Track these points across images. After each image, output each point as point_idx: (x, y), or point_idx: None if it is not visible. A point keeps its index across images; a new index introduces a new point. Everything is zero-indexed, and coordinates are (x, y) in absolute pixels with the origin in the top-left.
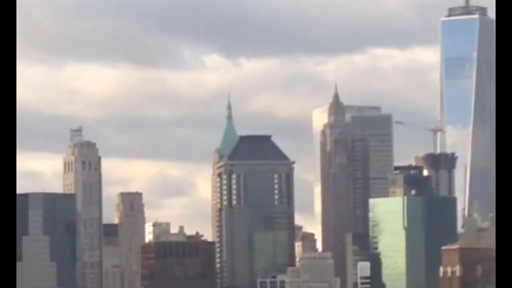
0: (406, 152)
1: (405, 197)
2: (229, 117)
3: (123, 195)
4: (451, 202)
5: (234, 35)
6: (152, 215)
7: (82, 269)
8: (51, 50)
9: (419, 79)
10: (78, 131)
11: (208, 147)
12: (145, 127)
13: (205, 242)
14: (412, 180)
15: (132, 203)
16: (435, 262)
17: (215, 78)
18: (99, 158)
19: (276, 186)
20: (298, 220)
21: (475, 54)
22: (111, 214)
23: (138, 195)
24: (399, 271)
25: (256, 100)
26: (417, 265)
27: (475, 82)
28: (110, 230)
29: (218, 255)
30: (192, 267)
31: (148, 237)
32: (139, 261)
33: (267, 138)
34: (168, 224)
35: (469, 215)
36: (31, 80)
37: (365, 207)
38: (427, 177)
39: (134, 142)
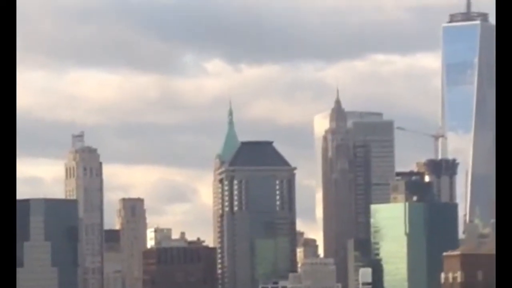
0: (408, 158)
1: (407, 203)
2: (231, 123)
3: (125, 201)
4: (453, 208)
5: (235, 42)
6: (154, 221)
7: (84, 275)
8: (52, 55)
9: (421, 85)
10: (79, 136)
11: (209, 153)
12: (146, 133)
13: (207, 248)
14: (414, 186)
15: (133, 209)
16: (437, 268)
17: (216, 84)
18: (101, 163)
19: (277, 192)
20: (300, 226)
21: (476, 60)
22: (112, 220)
23: (140, 201)
24: (401, 277)
25: (258, 106)
26: (418, 271)
27: (476, 88)
28: (112, 236)
29: (219, 261)
30: (193, 273)
31: (150, 243)
32: (140, 267)
33: (268, 144)
34: (169, 230)
35: (471, 221)
36: (32, 85)
37: (367, 213)
38: (429, 183)
39: (136, 148)
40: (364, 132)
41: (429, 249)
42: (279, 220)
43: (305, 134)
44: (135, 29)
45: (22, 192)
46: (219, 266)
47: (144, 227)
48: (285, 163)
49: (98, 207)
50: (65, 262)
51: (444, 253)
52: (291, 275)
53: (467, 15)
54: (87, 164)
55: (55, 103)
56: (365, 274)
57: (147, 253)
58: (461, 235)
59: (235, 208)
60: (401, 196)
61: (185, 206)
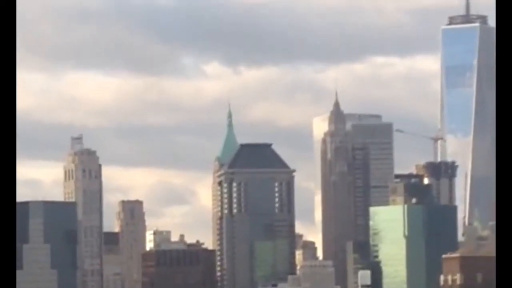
0: (407, 160)
1: (406, 206)
2: (230, 125)
3: (124, 203)
4: (452, 210)
5: (234, 44)
6: (153, 223)
7: (83, 277)
8: (51, 57)
9: (420, 87)
10: (78, 139)
11: (208, 155)
12: (145, 135)
13: (206, 250)
14: (413, 188)
15: (132, 211)
16: (436, 270)
17: (215, 86)
18: (100, 166)
19: (276, 194)
20: (299, 228)
21: (475, 62)
22: (111, 222)
23: (139, 203)
24: (400, 280)
25: (257, 108)
26: (417, 273)
27: (476, 91)
28: (111, 238)
29: (218, 263)
30: (192, 275)
31: (149, 245)
32: (139, 269)
33: (267, 146)
34: (168, 232)
35: (470, 223)
36: (31, 87)
37: (366, 216)
38: (428, 185)
39: (135, 150)
40: (363, 135)
41: (428, 252)
42: (278, 223)
43: (304, 137)
44: (134, 31)
45: (22, 194)
46: (218, 268)
47: (143, 229)
48: (284, 165)
49: (97, 209)
50: (64, 265)
51: (443, 256)
52: (290, 277)
53: (467, 18)
54: (86, 167)
55: (54, 105)
56: (364, 276)
57: (146, 255)
58: (460, 237)
59: (234, 211)
60: (400, 199)
61: (184, 208)
